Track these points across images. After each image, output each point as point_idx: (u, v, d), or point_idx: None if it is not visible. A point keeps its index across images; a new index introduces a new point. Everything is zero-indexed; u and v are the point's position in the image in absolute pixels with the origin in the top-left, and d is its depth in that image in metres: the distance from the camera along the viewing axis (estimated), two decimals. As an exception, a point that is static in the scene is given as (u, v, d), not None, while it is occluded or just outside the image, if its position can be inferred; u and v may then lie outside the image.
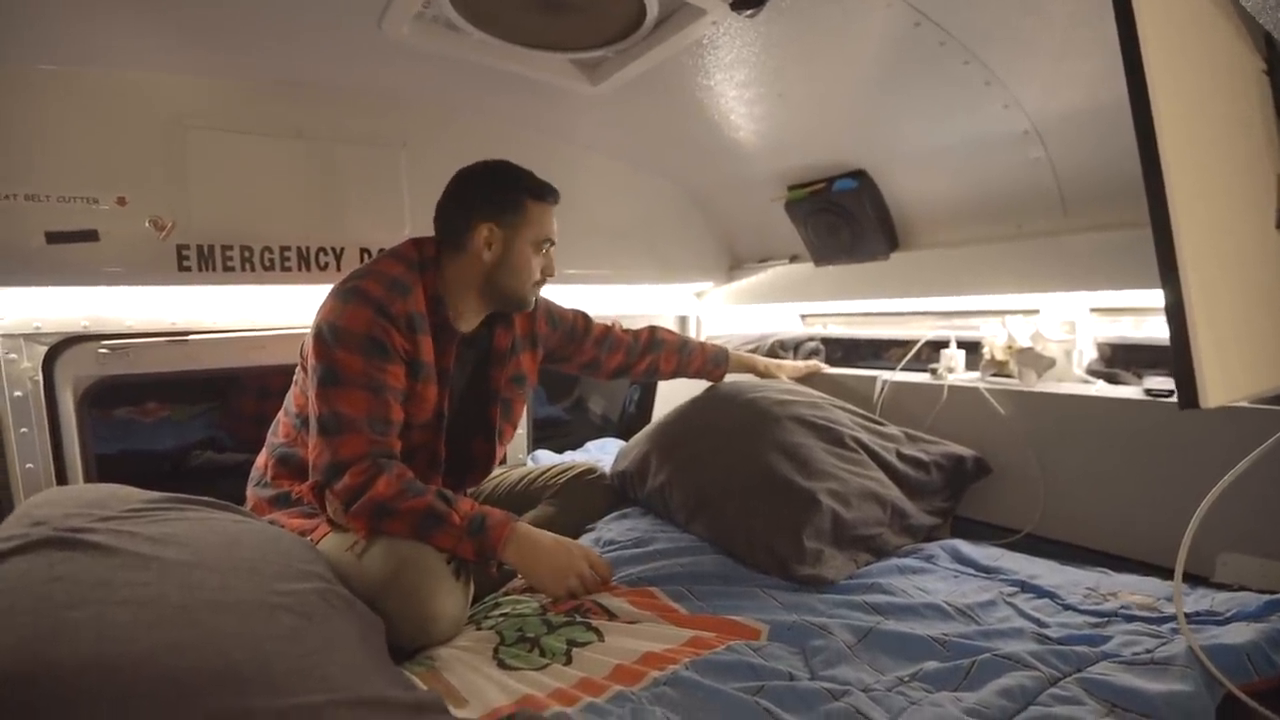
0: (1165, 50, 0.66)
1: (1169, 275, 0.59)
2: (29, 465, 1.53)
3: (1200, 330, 0.58)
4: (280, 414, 1.43)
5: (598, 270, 2.17)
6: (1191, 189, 0.64)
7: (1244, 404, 1.22)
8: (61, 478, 1.58)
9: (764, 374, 1.91)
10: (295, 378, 1.40)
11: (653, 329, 1.79)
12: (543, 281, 1.41)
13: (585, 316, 1.68)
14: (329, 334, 1.20)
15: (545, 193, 1.38)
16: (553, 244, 1.40)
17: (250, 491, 1.40)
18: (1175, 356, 0.59)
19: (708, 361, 1.82)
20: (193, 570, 0.76)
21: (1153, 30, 0.65)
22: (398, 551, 1.11)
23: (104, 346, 1.59)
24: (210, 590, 0.74)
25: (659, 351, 1.76)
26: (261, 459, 1.41)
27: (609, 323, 1.73)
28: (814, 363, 2.04)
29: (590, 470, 1.63)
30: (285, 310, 1.79)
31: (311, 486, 1.22)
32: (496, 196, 1.34)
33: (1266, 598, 0.97)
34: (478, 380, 1.47)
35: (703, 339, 2.66)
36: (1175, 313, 0.59)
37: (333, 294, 1.27)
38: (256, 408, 2.26)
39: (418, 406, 1.30)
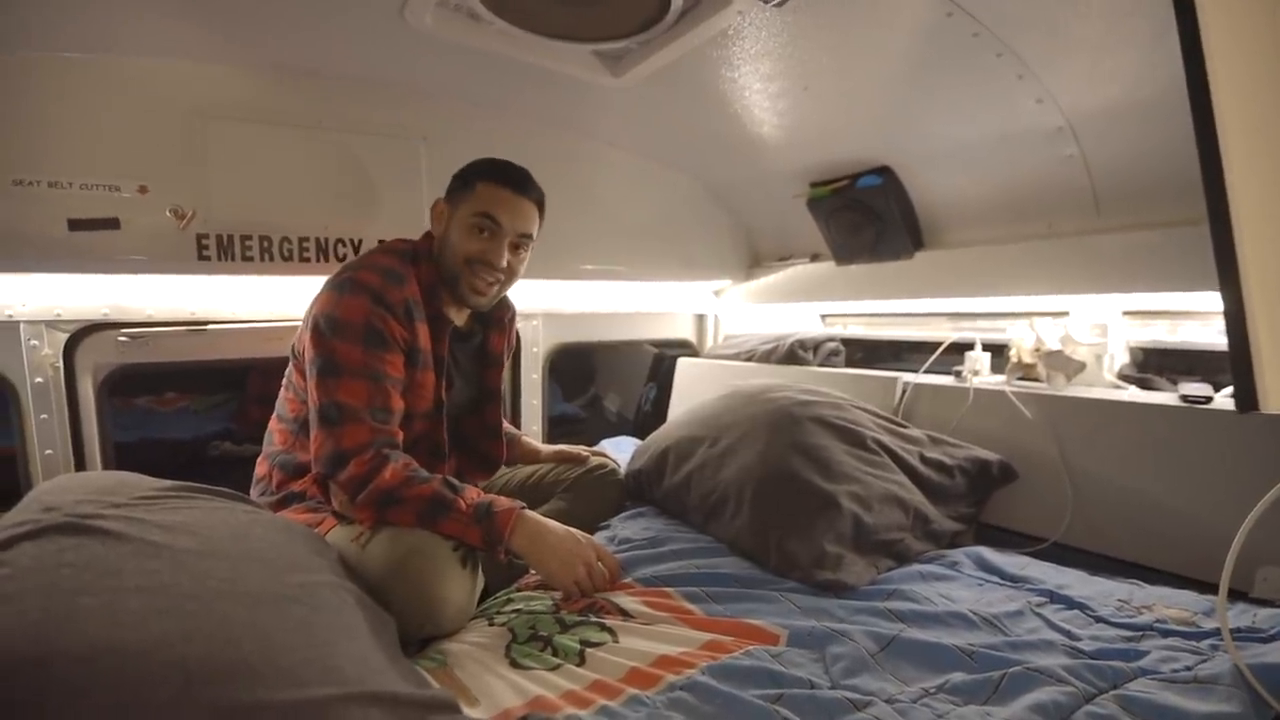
0: (1225, 34, 0.62)
1: (1228, 270, 0.56)
2: (48, 451, 1.54)
3: (1261, 328, 0.55)
4: (273, 422, 1.39)
5: (616, 266, 2.16)
6: (1251, 179, 0.61)
7: (1287, 412, 1.17)
8: (80, 464, 1.59)
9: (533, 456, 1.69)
10: (286, 380, 1.37)
11: None
12: (482, 265, 1.30)
13: None
14: (326, 326, 1.19)
15: (500, 174, 1.32)
16: (496, 224, 1.29)
17: (257, 500, 1.36)
18: (1233, 356, 0.55)
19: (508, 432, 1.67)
20: (203, 559, 0.75)
21: (1212, 13, 0.61)
22: (403, 540, 1.10)
23: (124, 334, 1.59)
24: (220, 580, 0.73)
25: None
26: (262, 469, 1.38)
27: None
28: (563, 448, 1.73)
29: (602, 465, 1.62)
30: (304, 301, 1.79)
31: (315, 478, 1.21)
32: (457, 178, 1.35)
33: (1313, 615, 0.93)
34: (475, 378, 1.48)
35: (720, 338, 2.65)
36: (1235, 310, 0.55)
37: (327, 286, 1.25)
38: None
39: (416, 395, 1.29)
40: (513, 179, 1.32)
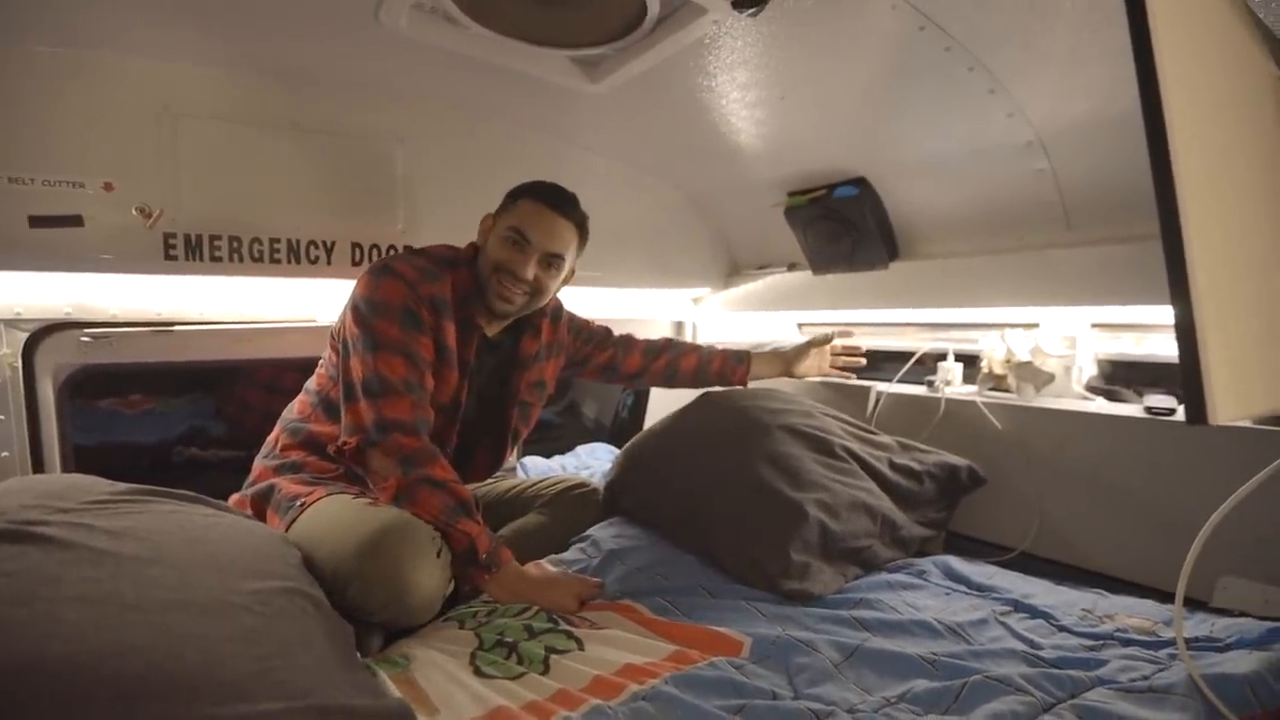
0: (1179, 57, 0.63)
1: (1178, 283, 0.57)
2: (4, 453, 1.49)
3: (1210, 341, 0.55)
4: (301, 394, 1.46)
5: (593, 273, 2.14)
6: (1203, 198, 0.62)
7: (1247, 424, 1.19)
8: (38, 467, 1.54)
9: (792, 364, 1.82)
10: (322, 359, 1.44)
11: (669, 339, 1.83)
12: (509, 275, 1.33)
13: (608, 329, 1.75)
14: (366, 307, 1.27)
15: (541, 193, 1.38)
16: (525, 239, 1.33)
17: (257, 462, 1.42)
18: (1183, 369, 0.56)
19: (729, 359, 1.80)
20: (150, 567, 0.73)
21: (1167, 36, 0.62)
22: (384, 517, 1.11)
23: (86, 334, 1.55)
24: (167, 588, 0.71)
25: (678, 351, 1.78)
26: (274, 434, 1.45)
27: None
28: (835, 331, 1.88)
29: (583, 484, 1.62)
30: (274, 303, 1.76)
31: (356, 445, 1.23)
32: (508, 195, 1.41)
33: (1268, 625, 0.94)
34: (497, 384, 1.51)
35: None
36: (1184, 323, 0.56)
37: (365, 274, 1.32)
38: (246, 402, 2.23)
39: (438, 388, 1.34)
40: (551, 197, 1.37)
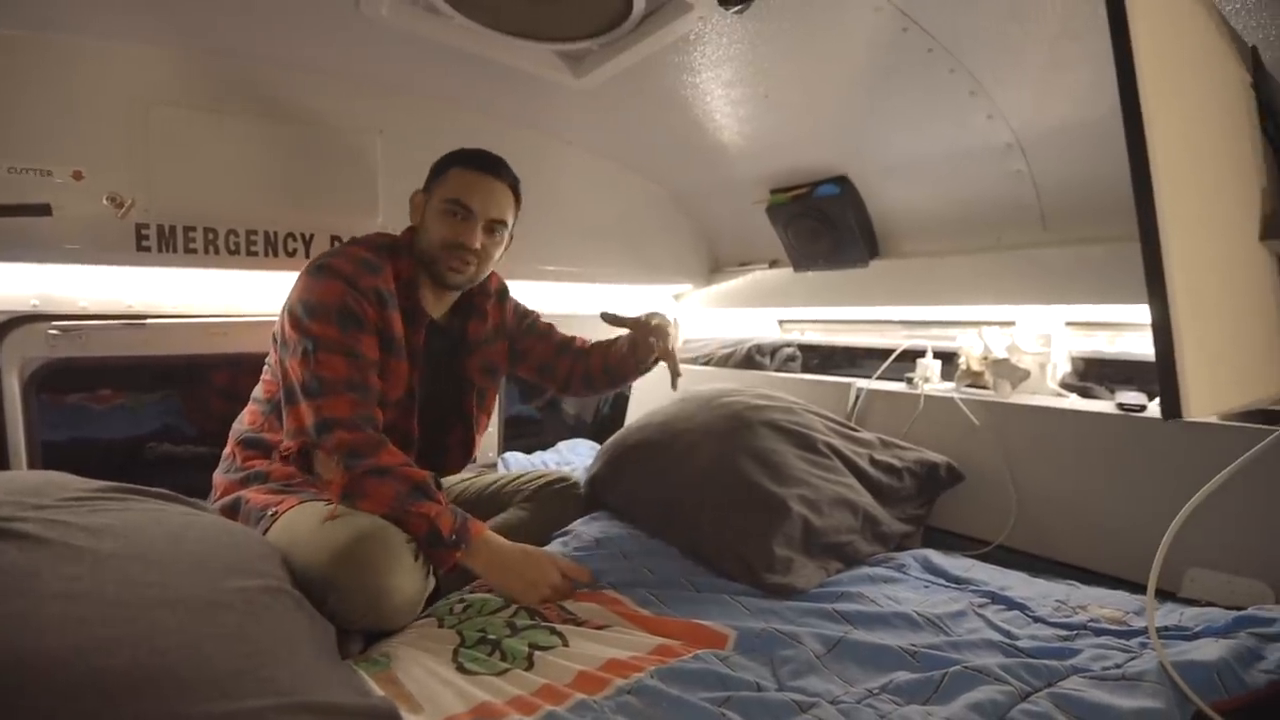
0: (1158, 62, 0.65)
1: (1155, 280, 0.58)
2: (-32, 450, 1.45)
3: (1185, 339, 0.57)
4: (249, 404, 1.41)
5: (574, 268, 2.14)
6: (1180, 199, 0.63)
7: (1214, 420, 1.23)
8: (4, 464, 1.50)
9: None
10: (266, 365, 1.39)
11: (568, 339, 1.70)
12: (457, 248, 1.32)
13: (551, 325, 1.68)
14: (303, 310, 1.22)
15: (472, 159, 1.35)
16: (467, 210, 1.31)
17: (218, 478, 1.37)
18: (1160, 365, 0.58)
19: (620, 340, 1.65)
20: (131, 564, 0.71)
21: (1147, 42, 0.64)
22: (358, 524, 1.09)
23: (54, 327, 1.51)
24: (149, 585, 0.69)
25: (584, 347, 1.67)
26: (228, 448, 1.39)
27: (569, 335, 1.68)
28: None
29: (564, 479, 1.60)
30: (250, 296, 1.73)
31: (298, 447, 1.21)
32: (434, 168, 1.38)
33: (1234, 614, 0.97)
34: (450, 369, 1.48)
35: (679, 342, 2.65)
36: (1161, 321, 0.57)
37: (302, 274, 1.28)
38: (221, 398, 2.18)
39: (389, 383, 1.30)
40: (484, 163, 1.35)
